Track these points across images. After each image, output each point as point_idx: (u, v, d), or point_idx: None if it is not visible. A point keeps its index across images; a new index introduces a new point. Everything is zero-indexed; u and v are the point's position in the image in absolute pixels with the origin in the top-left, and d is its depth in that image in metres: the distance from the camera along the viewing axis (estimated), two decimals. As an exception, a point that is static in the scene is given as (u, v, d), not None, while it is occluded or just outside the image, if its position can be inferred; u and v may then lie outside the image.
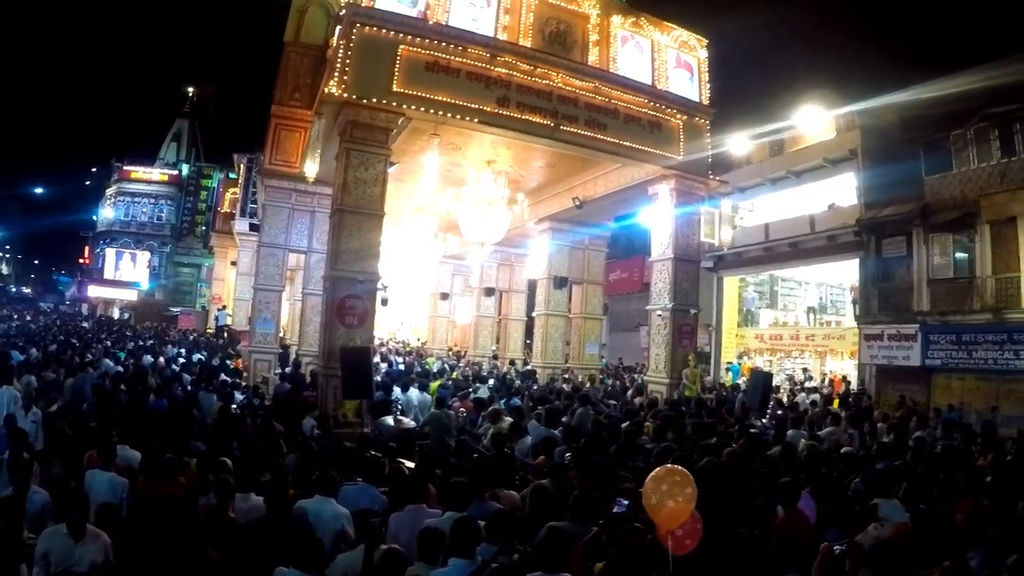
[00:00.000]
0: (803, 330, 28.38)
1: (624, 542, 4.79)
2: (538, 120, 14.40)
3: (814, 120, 24.68)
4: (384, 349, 25.59)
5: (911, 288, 21.31)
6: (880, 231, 22.22)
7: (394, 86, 12.99)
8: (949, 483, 7.83)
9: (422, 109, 13.25)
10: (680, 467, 4.84)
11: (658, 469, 4.84)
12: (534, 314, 23.46)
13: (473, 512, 5.35)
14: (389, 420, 10.98)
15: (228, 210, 38.86)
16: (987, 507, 6.47)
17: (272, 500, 5.65)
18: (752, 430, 11.08)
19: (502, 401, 13.27)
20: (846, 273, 26.42)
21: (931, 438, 12.00)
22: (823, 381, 24.06)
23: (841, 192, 24.44)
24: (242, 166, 33.13)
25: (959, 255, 20.49)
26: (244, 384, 16.14)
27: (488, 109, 13.84)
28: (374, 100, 12.87)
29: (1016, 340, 18.23)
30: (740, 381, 22.24)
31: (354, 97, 12.73)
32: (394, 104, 13.04)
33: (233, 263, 35.40)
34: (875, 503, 6.09)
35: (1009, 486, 7.62)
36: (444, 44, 13.47)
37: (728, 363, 27.73)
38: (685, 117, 16.55)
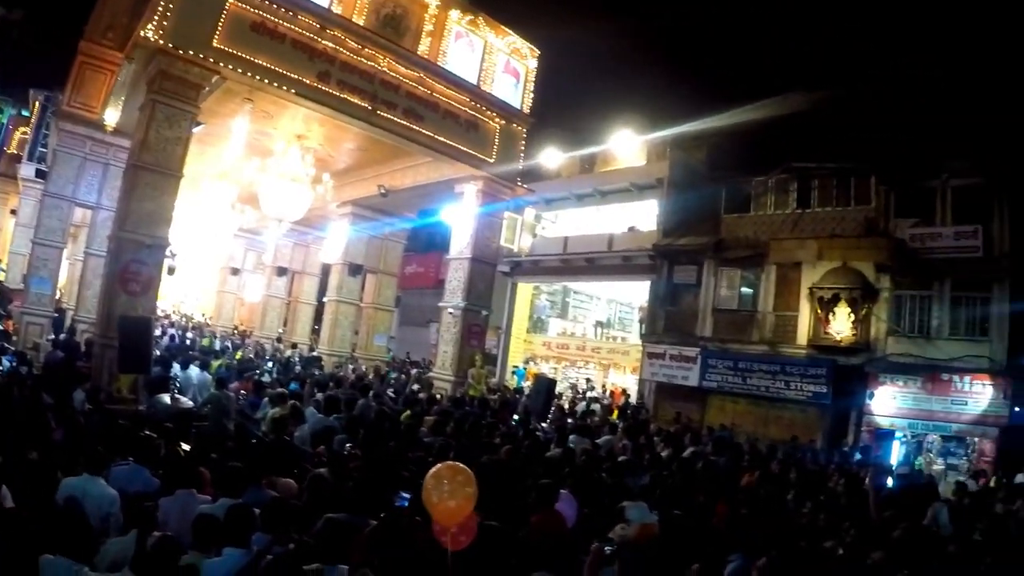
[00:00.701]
0: (590, 342, 29.67)
1: (404, 536, 4.72)
2: (356, 101, 14.17)
3: (627, 145, 25.83)
4: (166, 322, 24.22)
5: (696, 314, 22.73)
6: (674, 258, 23.52)
7: (215, 41, 12.22)
8: (709, 493, 8.43)
9: (240, 70, 12.57)
10: (464, 466, 4.78)
11: (441, 466, 4.70)
12: (325, 299, 22.93)
13: (248, 499, 5.13)
14: (166, 398, 10.20)
15: (15, 151, 34.59)
16: (744, 515, 7.26)
17: (38, 480, 5.11)
18: (536, 433, 11.36)
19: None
20: (636, 293, 27.73)
21: (703, 454, 12.76)
22: (604, 392, 25.05)
23: (642, 216, 25.63)
24: (37, 104, 29.87)
25: (744, 290, 22.15)
26: (12, 349, 14.65)
27: (308, 82, 13.42)
28: (191, 52, 11.98)
29: (787, 372, 19.86)
30: (524, 385, 22.79)
31: (170, 46, 11.76)
32: (211, 60, 12.23)
33: (13, 212, 31.76)
34: (623, 506, 6.37)
35: (768, 499, 8.76)
36: (275, 6, 12.89)
37: (514, 367, 28.34)
38: (504, 122, 16.84)
